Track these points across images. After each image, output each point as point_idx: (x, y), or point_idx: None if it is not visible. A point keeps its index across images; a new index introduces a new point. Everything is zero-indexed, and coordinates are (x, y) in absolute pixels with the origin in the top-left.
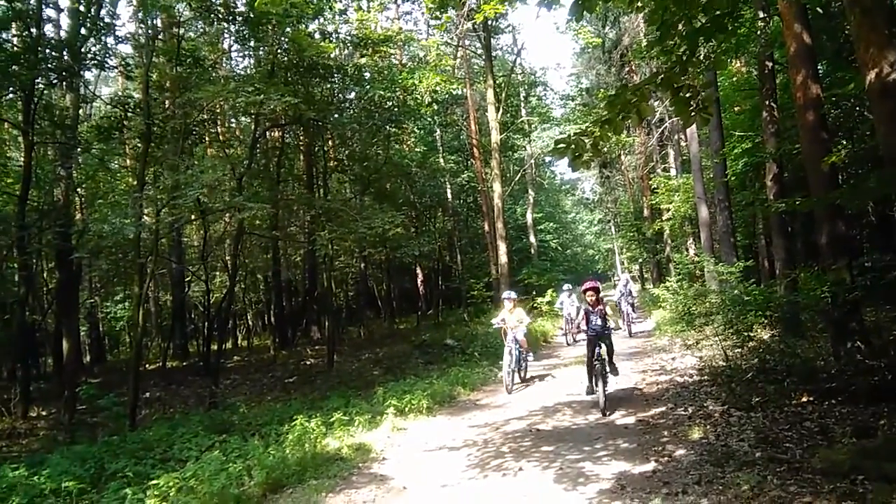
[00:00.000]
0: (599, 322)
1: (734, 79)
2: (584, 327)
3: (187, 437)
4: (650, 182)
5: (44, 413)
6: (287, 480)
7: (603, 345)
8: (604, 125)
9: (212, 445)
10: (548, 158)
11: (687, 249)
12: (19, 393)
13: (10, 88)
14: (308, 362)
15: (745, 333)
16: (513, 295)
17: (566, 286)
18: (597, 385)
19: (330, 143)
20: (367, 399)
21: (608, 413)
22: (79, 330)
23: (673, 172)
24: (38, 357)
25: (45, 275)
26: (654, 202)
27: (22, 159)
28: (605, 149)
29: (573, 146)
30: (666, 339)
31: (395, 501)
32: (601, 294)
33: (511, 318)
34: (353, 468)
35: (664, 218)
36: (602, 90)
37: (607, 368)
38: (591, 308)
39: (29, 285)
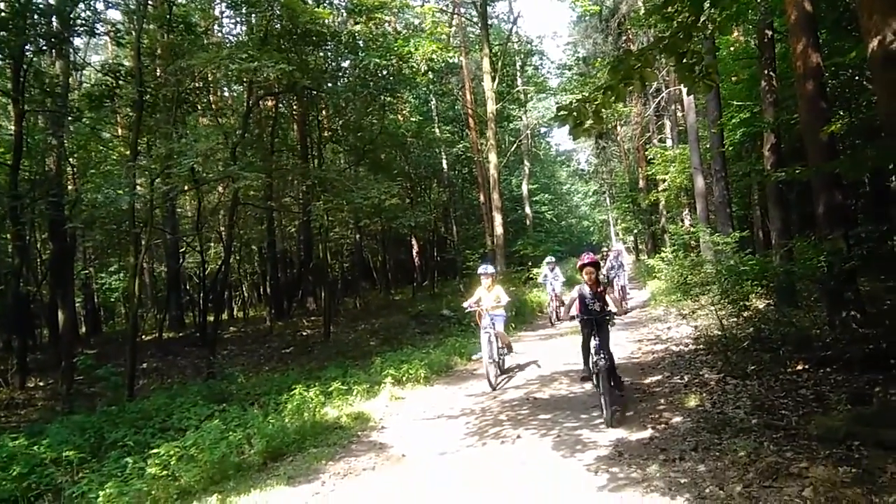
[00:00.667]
0: (597, 307)
1: (732, 48)
2: (574, 313)
3: (186, 406)
4: (646, 153)
5: (41, 384)
6: (287, 449)
7: (600, 335)
8: (606, 91)
9: (211, 415)
10: (543, 129)
11: (682, 220)
12: (16, 364)
13: None
14: (304, 333)
15: (741, 303)
16: (490, 269)
17: (549, 258)
18: (599, 389)
19: (324, 112)
20: (365, 369)
21: (615, 426)
22: (74, 301)
23: (669, 143)
24: (34, 328)
25: (38, 246)
26: (649, 173)
27: (12, 128)
28: (605, 118)
29: (575, 113)
30: (661, 309)
31: (394, 469)
32: (601, 271)
33: (488, 297)
34: (353, 437)
35: (660, 189)
36: (599, 59)
37: (611, 380)
38: (588, 289)
39: (23, 256)
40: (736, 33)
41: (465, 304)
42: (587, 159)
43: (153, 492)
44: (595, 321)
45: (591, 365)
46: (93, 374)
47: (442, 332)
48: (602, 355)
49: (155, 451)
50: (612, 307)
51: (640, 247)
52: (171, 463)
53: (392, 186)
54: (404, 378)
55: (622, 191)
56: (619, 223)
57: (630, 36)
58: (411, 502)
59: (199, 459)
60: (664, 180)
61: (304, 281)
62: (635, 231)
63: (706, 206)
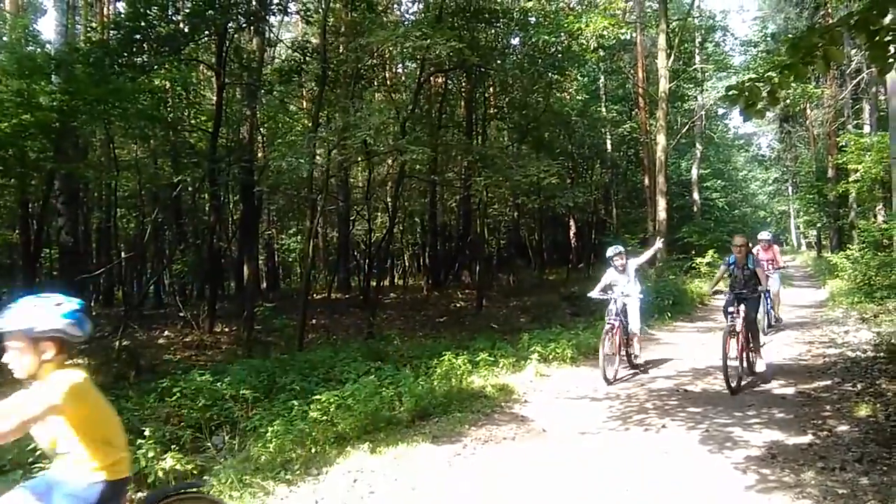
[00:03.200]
0: None
1: None
2: None
3: (347, 361)
4: (838, 139)
5: (226, 329)
6: (433, 410)
7: None
8: (783, 71)
9: (367, 371)
10: (721, 110)
11: (875, 216)
12: (207, 310)
13: (206, 32)
14: (458, 304)
15: None
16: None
17: (614, 248)
18: None
19: (491, 89)
20: (513, 343)
21: None
22: (258, 258)
23: (867, 129)
24: (223, 280)
25: (231, 206)
26: (840, 162)
27: (214, 98)
28: (788, 100)
29: (746, 93)
30: (840, 311)
31: (534, 441)
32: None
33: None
34: (496, 406)
35: (851, 179)
36: (790, 36)
37: None
38: None
39: (217, 215)
40: None
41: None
42: (769, 144)
43: (314, 433)
44: None
45: None
46: (270, 325)
47: (592, 315)
48: None
49: (317, 397)
50: None
51: (823, 242)
52: (331, 410)
53: (552, 165)
54: (550, 356)
55: (807, 180)
56: (800, 215)
57: (829, 10)
58: (550, 474)
59: (355, 410)
60: (857, 170)
61: (460, 254)
62: (819, 225)
63: None
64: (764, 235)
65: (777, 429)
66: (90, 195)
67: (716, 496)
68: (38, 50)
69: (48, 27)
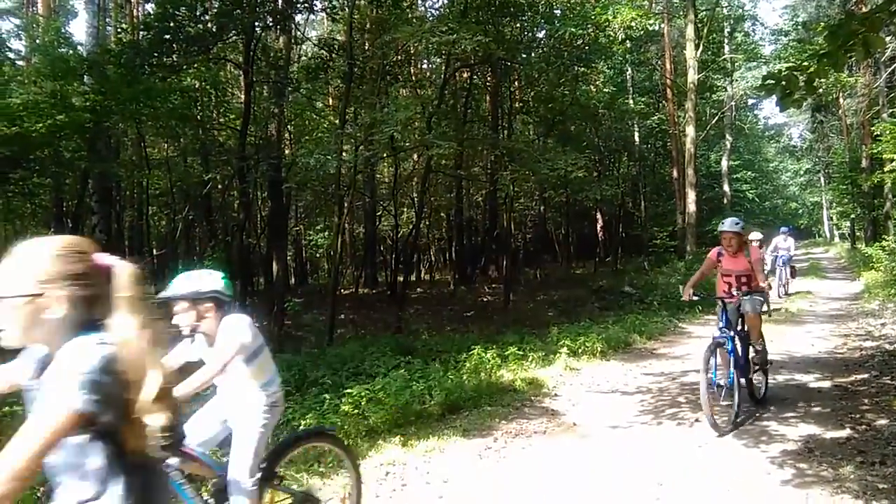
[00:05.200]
0: None
1: None
2: None
3: (376, 355)
4: (872, 128)
5: (256, 325)
6: (463, 404)
7: None
8: (822, 59)
9: (397, 365)
10: (751, 101)
11: None
12: (238, 306)
13: (234, 31)
14: (485, 299)
15: None
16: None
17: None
18: None
19: (516, 83)
20: (541, 338)
21: None
22: (286, 254)
23: None
24: (253, 276)
25: (259, 203)
26: (874, 151)
27: (242, 97)
28: (821, 89)
29: (783, 82)
30: (876, 304)
31: (565, 435)
32: None
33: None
34: (526, 400)
35: (886, 169)
36: (822, 24)
37: None
38: None
39: (247, 211)
40: None
41: None
42: (801, 134)
43: (345, 427)
44: None
45: None
46: (299, 320)
47: (622, 309)
48: None
49: (348, 391)
50: None
51: (856, 233)
52: (362, 403)
53: (579, 158)
54: (580, 350)
55: (840, 170)
56: (833, 206)
57: None
58: (581, 468)
59: (386, 403)
60: (892, 160)
61: (487, 249)
62: (852, 216)
63: None
64: (728, 225)
65: (814, 423)
66: (123, 193)
67: (752, 491)
68: (71, 52)
69: (79, 29)
